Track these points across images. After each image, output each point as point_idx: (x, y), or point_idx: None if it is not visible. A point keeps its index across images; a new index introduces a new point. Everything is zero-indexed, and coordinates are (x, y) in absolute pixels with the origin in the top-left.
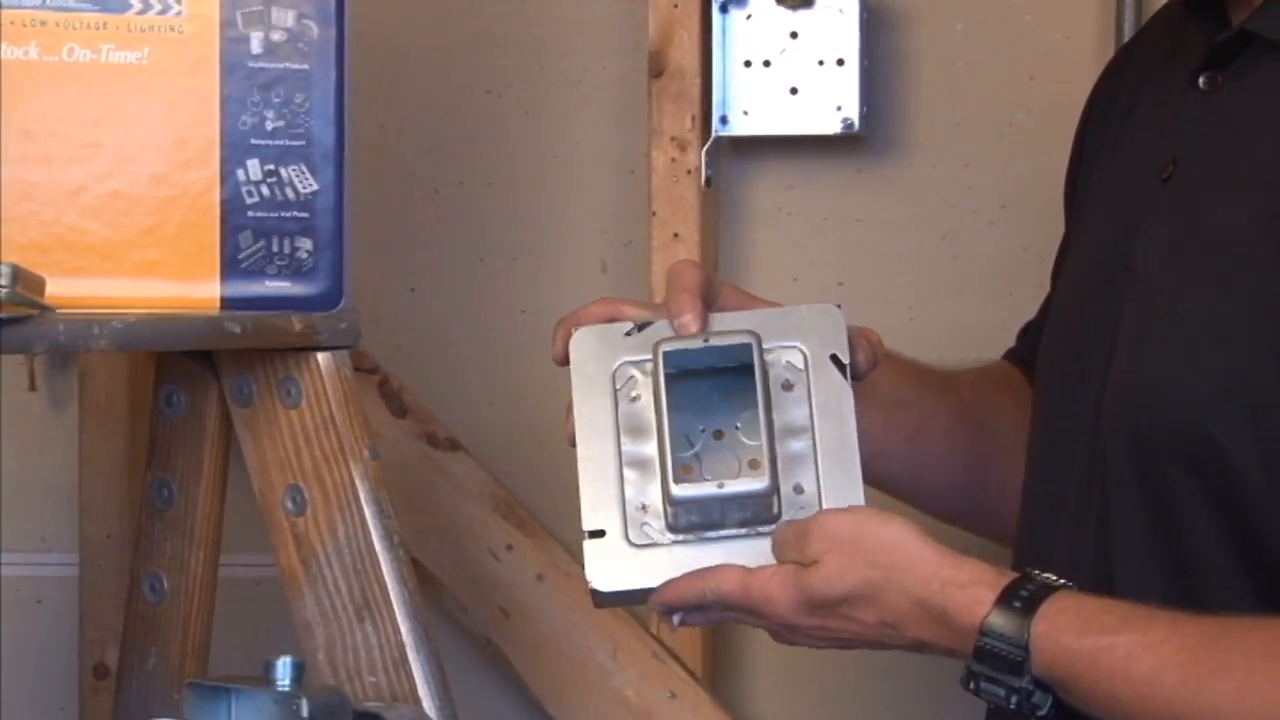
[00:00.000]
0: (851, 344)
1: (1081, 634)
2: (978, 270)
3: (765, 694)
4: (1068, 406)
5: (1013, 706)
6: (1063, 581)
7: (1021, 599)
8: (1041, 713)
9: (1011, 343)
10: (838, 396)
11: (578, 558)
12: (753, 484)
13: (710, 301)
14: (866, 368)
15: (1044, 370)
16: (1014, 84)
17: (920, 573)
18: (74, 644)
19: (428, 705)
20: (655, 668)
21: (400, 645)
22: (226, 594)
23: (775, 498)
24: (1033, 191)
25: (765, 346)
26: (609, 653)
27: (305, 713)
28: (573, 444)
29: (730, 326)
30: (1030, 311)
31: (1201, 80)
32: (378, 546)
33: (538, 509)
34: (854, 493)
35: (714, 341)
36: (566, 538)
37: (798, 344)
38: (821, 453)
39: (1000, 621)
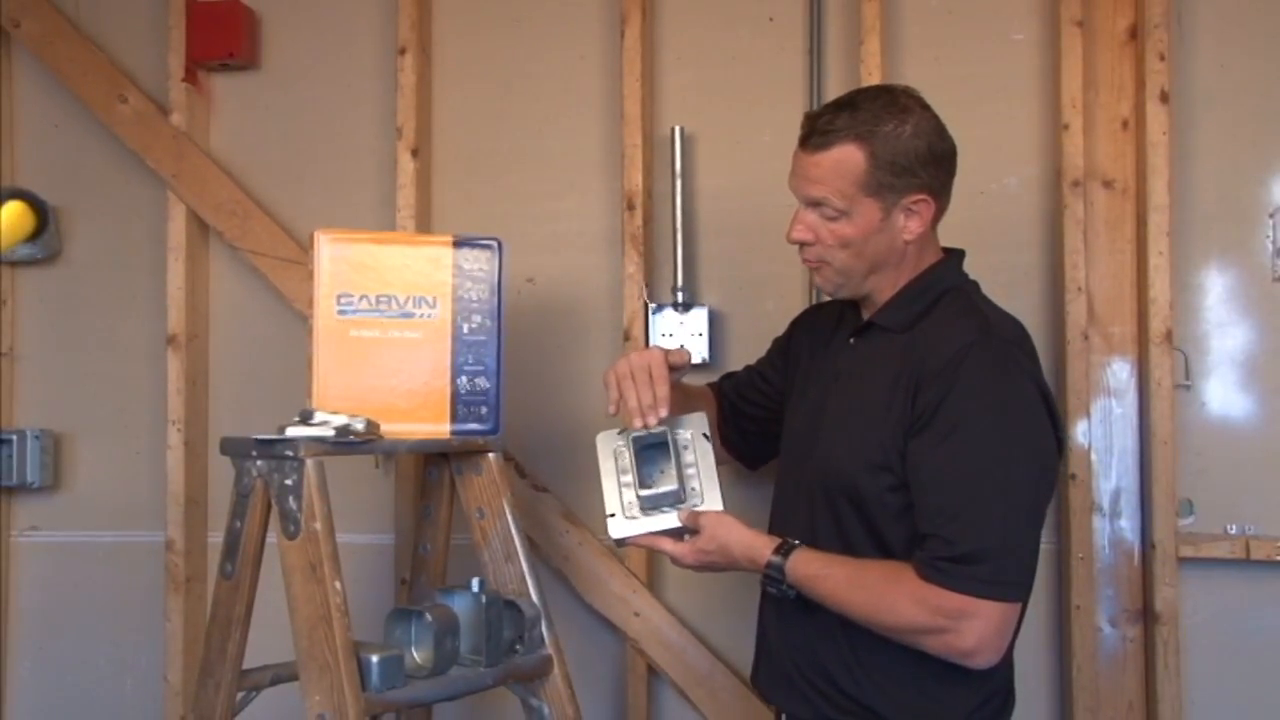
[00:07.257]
0: (710, 428)
1: (806, 570)
2: None
3: (676, 590)
4: (797, 467)
5: (777, 594)
6: (800, 543)
7: (782, 552)
8: (791, 597)
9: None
10: (707, 449)
11: (597, 534)
12: (673, 487)
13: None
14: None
15: (784, 449)
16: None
17: (742, 543)
18: (391, 569)
19: (535, 599)
20: (626, 580)
21: (522, 573)
22: (453, 552)
23: (682, 492)
24: None
25: (673, 433)
26: (609, 574)
27: (484, 601)
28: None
29: (660, 425)
30: None
31: (851, 339)
32: (512, 530)
33: (580, 514)
34: (714, 490)
35: (653, 429)
36: (592, 526)
37: (688, 430)
38: (701, 474)
39: (774, 562)
